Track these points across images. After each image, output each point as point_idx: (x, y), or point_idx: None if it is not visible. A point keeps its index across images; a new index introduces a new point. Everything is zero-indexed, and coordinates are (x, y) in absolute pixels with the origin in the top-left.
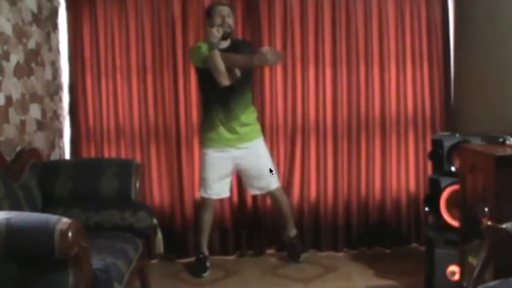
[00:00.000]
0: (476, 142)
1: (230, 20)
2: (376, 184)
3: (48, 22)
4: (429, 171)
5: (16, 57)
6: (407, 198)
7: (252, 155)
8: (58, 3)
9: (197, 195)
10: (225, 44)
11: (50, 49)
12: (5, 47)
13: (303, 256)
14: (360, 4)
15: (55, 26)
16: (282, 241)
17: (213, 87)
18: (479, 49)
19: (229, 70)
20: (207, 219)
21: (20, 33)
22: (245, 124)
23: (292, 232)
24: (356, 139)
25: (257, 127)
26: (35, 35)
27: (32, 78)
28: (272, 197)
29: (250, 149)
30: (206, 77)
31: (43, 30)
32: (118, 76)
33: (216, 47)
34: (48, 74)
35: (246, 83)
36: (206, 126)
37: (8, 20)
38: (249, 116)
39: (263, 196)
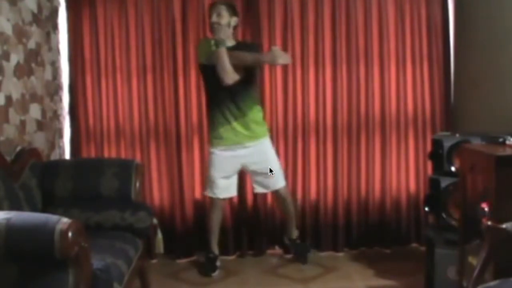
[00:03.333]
0: (476, 142)
1: (219, 19)
2: (376, 184)
3: (48, 22)
4: (429, 171)
5: (16, 57)
6: (407, 198)
7: (259, 153)
8: (58, 3)
9: (198, 195)
10: (230, 43)
11: (50, 49)
12: (5, 47)
13: (310, 257)
14: (360, 4)
15: (55, 26)
16: (284, 243)
17: (219, 85)
18: (479, 49)
19: (235, 68)
20: (216, 219)
21: (20, 33)
22: (253, 122)
23: (294, 233)
24: (356, 139)
25: (264, 126)
26: (35, 35)
27: (32, 78)
28: (277, 196)
29: (257, 148)
30: (210, 74)
31: (43, 30)
32: (118, 76)
33: (224, 45)
34: (48, 74)
35: (252, 81)
36: (214, 124)
37: (8, 20)
38: (256, 114)
39: (263, 196)
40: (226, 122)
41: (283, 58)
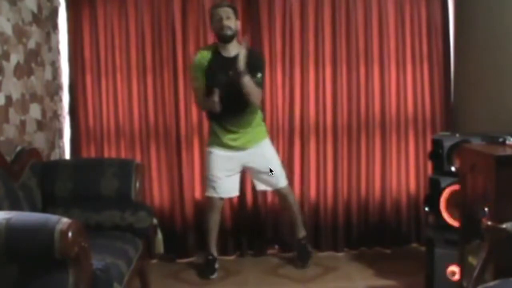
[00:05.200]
0: (476, 142)
1: (229, 22)
2: (376, 184)
3: (48, 22)
4: (429, 171)
5: (16, 57)
6: (407, 198)
7: (259, 155)
8: (58, 3)
9: (198, 195)
10: (232, 51)
11: (50, 49)
12: (5, 47)
13: (312, 260)
14: (360, 4)
15: (55, 26)
16: (285, 242)
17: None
18: (479, 49)
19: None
20: (214, 220)
21: (20, 33)
22: (251, 127)
23: (301, 232)
24: (356, 139)
25: (263, 129)
26: (35, 35)
27: (32, 78)
28: (280, 195)
29: (256, 150)
30: (209, 83)
31: (43, 30)
32: (118, 76)
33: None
34: (48, 74)
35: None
36: (213, 129)
37: (8, 20)
38: (255, 118)
39: (263, 195)
40: (221, 130)
41: (249, 84)
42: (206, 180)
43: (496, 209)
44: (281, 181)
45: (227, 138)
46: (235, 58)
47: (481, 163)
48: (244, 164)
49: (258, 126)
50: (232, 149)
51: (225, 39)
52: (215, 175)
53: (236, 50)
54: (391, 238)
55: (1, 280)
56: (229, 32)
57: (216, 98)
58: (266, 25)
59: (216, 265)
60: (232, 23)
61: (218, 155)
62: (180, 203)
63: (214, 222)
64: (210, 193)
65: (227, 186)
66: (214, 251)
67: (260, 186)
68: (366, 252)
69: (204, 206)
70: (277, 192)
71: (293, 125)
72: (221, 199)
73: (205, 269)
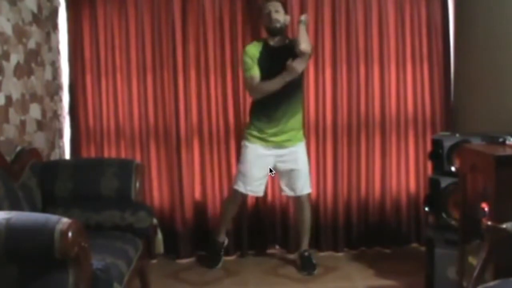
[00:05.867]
0: (476, 142)
1: (278, 16)
2: (376, 184)
3: (48, 22)
4: (429, 171)
5: (16, 57)
6: (407, 198)
7: (293, 156)
8: (58, 3)
9: (198, 195)
10: (278, 42)
11: (50, 49)
12: (5, 47)
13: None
14: (360, 4)
15: (55, 26)
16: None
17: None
18: (479, 49)
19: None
20: (232, 210)
21: (20, 33)
22: (291, 129)
23: (304, 245)
24: (356, 139)
25: (301, 131)
26: (35, 35)
27: (32, 78)
28: (299, 202)
29: (292, 151)
30: (263, 71)
31: (43, 30)
32: (118, 76)
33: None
34: (48, 74)
35: (298, 87)
36: (254, 122)
37: (8, 20)
38: (296, 121)
39: (264, 196)
40: (269, 122)
41: (300, 65)
42: (238, 174)
43: (496, 209)
44: (306, 188)
45: (268, 132)
46: (285, 48)
47: (481, 163)
48: (276, 163)
49: (299, 127)
50: (269, 145)
51: (274, 32)
52: (249, 172)
53: (285, 41)
54: (391, 238)
55: (1, 280)
56: (278, 25)
57: (286, 78)
58: None
59: (222, 253)
60: (281, 16)
61: (254, 150)
62: (180, 203)
63: (231, 212)
64: (238, 187)
65: (256, 186)
66: (223, 235)
67: (286, 191)
68: (366, 252)
69: (204, 206)
70: (297, 199)
71: None
72: (246, 195)
73: (212, 258)
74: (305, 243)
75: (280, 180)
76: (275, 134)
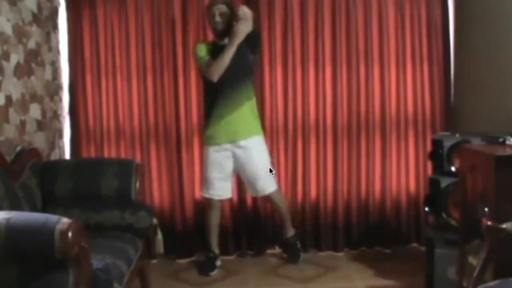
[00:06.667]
0: (476, 142)
1: (221, 18)
2: (376, 184)
3: (48, 22)
4: (429, 171)
5: (16, 57)
6: (407, 198)
7: (248, 155)
8: (58, 3)
9: (198, 195)
10: (227, 41)
11: (50, 49)
12: (5, 47)
13: (302, 256)
14: (360, 4)
15: (55, 26)
16: (283, 242)
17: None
18: (479, 49)
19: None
20: (214, 219)
21: (20, 33)
22: (248, 115)
23: (290, 232)
24: (356, 139)
25: (258, 123)
26: (35, 35)
27: (32, 78)
28: (270, 200)
29: (248, 147)
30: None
31: (43, 30)
32: (118, 76)
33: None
34: (48, 74)
35: (244, 75)
36: (207, 122)
37: (8, 20)
38: (249, 109)
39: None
40: (220, 117)
41: (244, 26)
42: (203, 180)
43: (496, 209)
44: (268, 187)
45: (221, 126)
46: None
47: (481, 163)
48: (236, 164)
49: (253, 118)
50: (222, 142)
51: (219, 34)
52: (209, 176)
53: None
54: (391, 238)
55: (1, 280)
56: (220, 27)
57: (235, 41)
58: (266, 25)
59: (217, 263)
60: (225, 18)
61: (210, 153)
62: (180, 203)
63: (214, 221)
64: (203, 193)
65: (219, 189)
66: (215, 249)
67: (251, 193)
68: (366, 252)
69: (204, 206)
70: (266, 197)
71: (294, 125)
72: (217, 200)
73: (206, 265)
74: (288, 230)
75: (244, 183)
76: (227, 128)
